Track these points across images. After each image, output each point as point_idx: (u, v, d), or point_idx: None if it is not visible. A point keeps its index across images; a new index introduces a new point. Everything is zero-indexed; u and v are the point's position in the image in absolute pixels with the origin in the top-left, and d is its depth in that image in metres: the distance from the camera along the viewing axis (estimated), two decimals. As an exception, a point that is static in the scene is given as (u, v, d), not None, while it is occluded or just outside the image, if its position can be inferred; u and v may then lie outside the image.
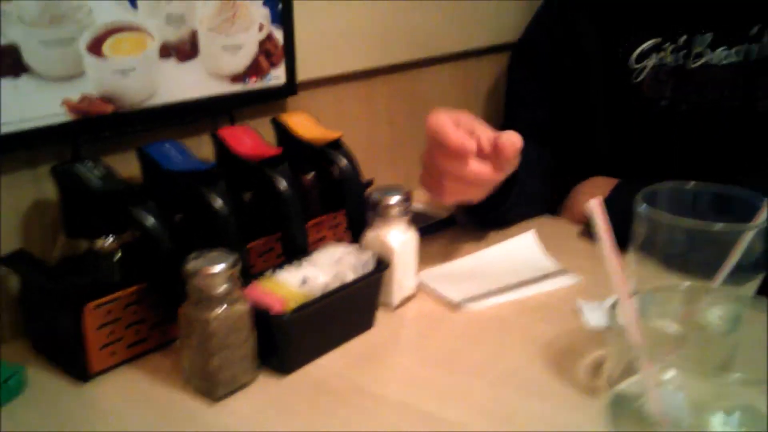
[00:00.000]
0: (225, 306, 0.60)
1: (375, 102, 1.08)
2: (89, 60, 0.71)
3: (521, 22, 1.14)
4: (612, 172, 0.99)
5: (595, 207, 0.50)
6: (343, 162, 0.81)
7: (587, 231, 0.94)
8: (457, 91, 1.21)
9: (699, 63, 0.91)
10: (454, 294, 0.79)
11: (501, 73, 1.26)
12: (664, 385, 0.46)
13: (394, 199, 0.76)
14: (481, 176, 0.77)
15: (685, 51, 0.92)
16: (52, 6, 0.68)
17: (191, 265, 0.59)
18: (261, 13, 0.85)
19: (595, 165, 1.02)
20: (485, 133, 0.76)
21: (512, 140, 0.76)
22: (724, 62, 0.90)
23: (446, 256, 0.89)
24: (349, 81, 1.02)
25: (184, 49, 0.79)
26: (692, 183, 0.69)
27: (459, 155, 0.75)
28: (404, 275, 0.78)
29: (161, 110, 0.78)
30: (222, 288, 0.59)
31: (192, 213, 0.70)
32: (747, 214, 0.63)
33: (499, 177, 0.79)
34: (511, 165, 0.81)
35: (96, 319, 0.64)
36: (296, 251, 0.75)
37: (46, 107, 0.69)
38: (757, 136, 0.89)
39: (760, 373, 0.45)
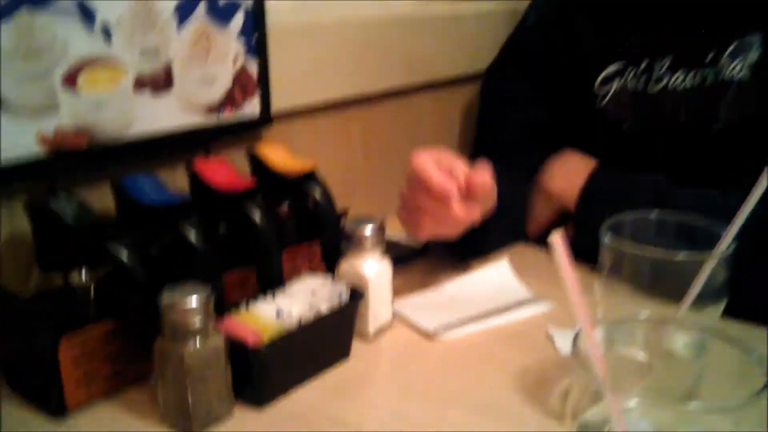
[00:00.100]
0: (199, 340, 0.60)
1: (350, 132, 1.09)
2: (64, 93, 0.72)
3: (494, 52, 1.15)
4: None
5: (556, 241, 0.51)
6: (318, 193, 0.82)
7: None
8: (432, 119, 1.22)
9: (659, 87, 0.94)
10: (429, 323, 0.80)
11: (475, 100, 1.28)
12: (628, 413, 0.47)
13: (369, 230, 0.76)
14: (462, 218, 0.78)
15: (645, 76, 0.95)
16: (26, 39, 0.68)
17: (165, 299, 0.59)
18: (236, 45, 0.86)
19: None
20: (464, 172, 0.78)
21: (483, 179, 0.78)
22: (681, 87, 0.92)
23: (421, 285, 0.90)
24: (324, 111, 1.03)
25: (159, 81, 0.79)
26: (656, 212, 0.70)
27: (441, 197, 0.76)
28: (379, 305, 0.78)
29: (136, 143, 0.78)
30: (196, 322, 0.59)
31: (166, 246, 0.70)
32: (710, 242, 0.65)
33: (477, 216, 0.81)
34: (489, 202, 0.83)
35: (71, 353, 0.63)
36: (272, 282, 0.75)
37: (20, 141, 0.69)
38: (714, 157, 0.92)
39: (724, 400, 0.46)
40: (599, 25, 0.99)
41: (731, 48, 0.90)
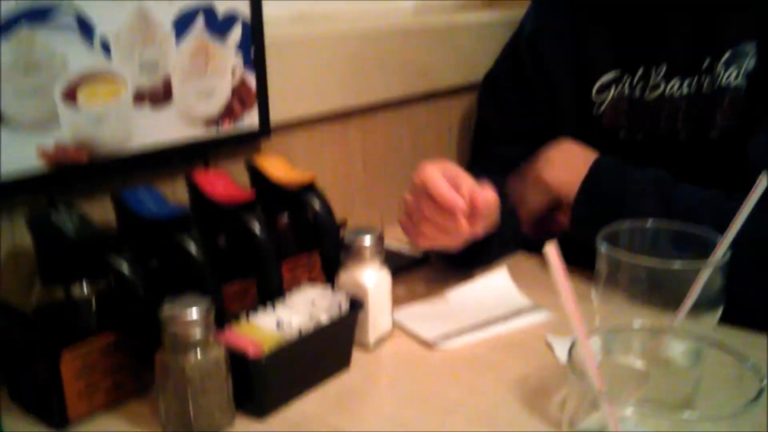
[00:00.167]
0: (200, 352, 0.60)
1: (349, 142, 1.10)
2: (64, 108, 0.72)
3: (492, 62, 1.16)
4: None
5: (550, 252, 0.52)
6: (317, 204, 0.82)
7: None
8: (430, 129, 1.23)
9: (655, 95, 0.95)
10: (429, 332, 0.80)
11: (473, 110, 1.29)
12: (625, 422, 0.48)
13: (368, 240, 0.77)
14: (465, 231, 0.80)
15: (642, 83, 0.96)
16: (27, 55, 0.69)
17: (166, 311, 0.60)
18: (234, 59, 0.87)
19: None
20: (467, 188, 0.79)
21: (486, 197, 0.79)
22: (677, 94, 0.93)
23: (421, 294, 0.91)
24: (322, 122, 1.04)
25: (158, 95, 0.80)
26: (651, 221, 0.71)
27: (448, 210, 0.77)
28: (379, 315, 0.79)
29: (136, 156, 0.79)
30: (197, 334, 0.60)
31: (167, 258, 0.71)
32: (705, 250, 0.65)
33: (480, 232, 0.82)
34: (492, 219, 0.84)
35: (73, 366, 0.64)
36: (271, 294, 0.76)
37: (21, 156, 0.70)
38: (711, 164, 0.92)
39: (720, 410, 0.46)
40: (594, 34, 1.00)
41: (726, 56, 0.91)
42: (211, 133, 0.86)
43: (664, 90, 0.94)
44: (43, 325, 0.66)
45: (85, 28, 0.73)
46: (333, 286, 0.78)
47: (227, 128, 0.88)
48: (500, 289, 0.91)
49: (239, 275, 0.78)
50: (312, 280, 0.86)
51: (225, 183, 0.79)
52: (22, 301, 0.70)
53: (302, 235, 0.86)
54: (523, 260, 1.01)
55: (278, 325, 0.69)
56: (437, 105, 1.23)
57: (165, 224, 0.69)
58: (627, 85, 0.97)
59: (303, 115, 1.00)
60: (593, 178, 0.91)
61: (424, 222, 0.80)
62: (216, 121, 0.86)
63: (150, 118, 0.80)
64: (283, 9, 1.05)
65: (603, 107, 0.99)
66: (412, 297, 0.89)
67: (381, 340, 0.80)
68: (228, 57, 0.86)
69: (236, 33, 0.86)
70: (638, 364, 0.58)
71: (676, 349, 0.58)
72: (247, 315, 0.71)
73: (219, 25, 0.84)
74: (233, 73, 0.87)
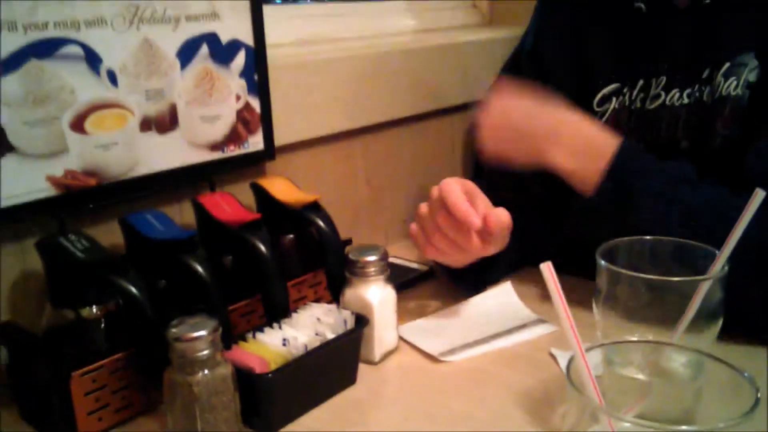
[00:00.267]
0: (207, 370, 0.62)
1: (352, 162, 1.11)
2: (72, 137, 0.74)
3: (494, 79, 1.18)
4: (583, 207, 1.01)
5: (546, 269, 0.53)
6: (321, 223, 0.84)
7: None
8: (433, 147, 1.25)
9: (656, 104, 0.96)
10: (434, 347, 0.81)
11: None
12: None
13: (372, 258, 0.78)
14: (476, 249, 0.81)
15: (642, 94, 0.97)
16: (35, 86, 0.71)
17: (173, 331, 0.61)
18: (238, 84, 0.89)
19: (567, 205, 1.05)
20: (483, 206, 0.81)
21: (500, 218, 0.80)
22: (677, 103, 0.94)
23: (425, 309, 0.92)
24: (326, 143, 1.06)
25: (164, 122, 0.82)
26: (649, 237, 0.72)
27: (463, 225, 0.79)
28: (384, 330, 0.80)
29: (143, 180, 0.81)
30: (204, 352, 0.61)
31: (174, 279, 0.72)
32: (704, 263, 0.66)
33: (490, 252, 0.83)
34: (504, 242, 0.85)
35: (83, 386, 0.65)
36: (278, 312, 0.77)
37: (30, 183, 0.72)
38: (713, 174, 0.92)
39: (717, 421, 0.47)
40: (592, 48, 1.01)
41: (725, 67, 0.92)
42: (216, 156, 0.88)
43: (665, 100, 0.95)
44: (54, 346, 0.68)
45: (92, 59, 0.75)
46: (338, 304, 0.79)
47: (232, 152, 0.89)
48: (505, 302, 0.92)
49: (246, 294, 0.80)
50: (318, 298, 0.88)
51: (230, 204, 0.81)
52: (33, 323, 0.72)
53: (307, 254, 0.87)
54: (527, 274, 1.01)
55: (284, 342, 0.70)
56: (440, 123, 1.24)
57: (172, 245, 0.71)
58: (627, 96, 0.98)
59: (307, 137, 1.02)
60: (615, 174, 0.83)
61: (436, 234, 0.81)
62: (221, 145, 0.88)
63: (156, 144, 0.82)
64: (285, 34, 1.07)
65: (605, 118, 1.00)
66: (417, 312, 0.91)
67: (387, 355, 0.81)
68: (232, 83, 0.88)
69: (240, 59, 0.89)
70: (639, 376, 0.59)
71: (677, 362, 0.59)
72: (254, 333, 0.72)
73: (223, 52, 0.87)
74: (237, 98, 0.89)
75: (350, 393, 0.74)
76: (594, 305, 0.69)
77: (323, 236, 0.84)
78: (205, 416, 0.62)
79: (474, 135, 0.94)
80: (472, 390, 0.74)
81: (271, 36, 0.92)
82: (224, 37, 0.87)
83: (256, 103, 0.91)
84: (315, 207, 0.86)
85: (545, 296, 0.91)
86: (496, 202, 0.84)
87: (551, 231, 1.05)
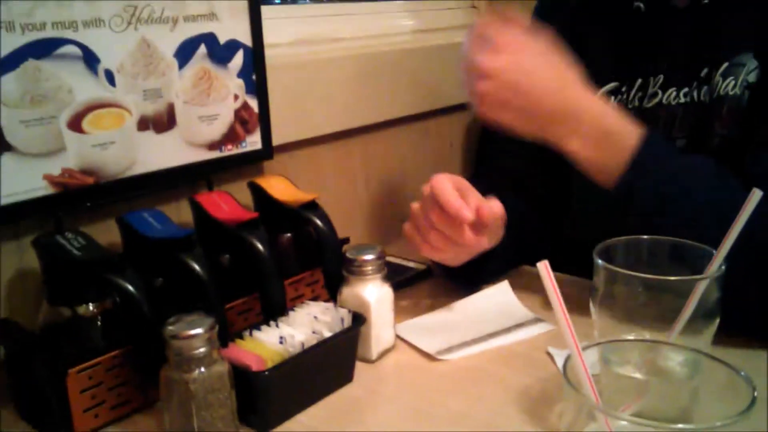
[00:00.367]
0: (204, 367, 0.62)
1: (350, 162, 1.12)
2: (69, 136, 0.74)
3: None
4: (583, 207, 1.02)
5: (543, 268, 0.53)
6: (319, 222, 0.84)
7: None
8: (431, 146, 1.25)
9: (653, 103, 0.96)
10: (431, 346, 0.81)
11: (474, 125, 1.30)
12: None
13: (369, 257, 0.78)
14: (470, 243, 0.81)
15: (640, 93, 0.97)
16: (33, 86, 0.71)
17: (170, 328, 0.61)
18: (235, 84, 0.89)
19: (567, 204, 1.05)
20: (474, 199, 0.81)
21: (492, 209, 0.81)
22: (674, 102, 0.94)
23: (423, 307, 0.92)
24: (324, 143, 1.06)
25: (162, 121, 0.82)
26: (646, 236, 0.72)
27: (456, 220, 0.79)
28: (381, 329, 0.80)
29: (140, 179, 0.81)
30: (200, 350, 0.61)
31: (171, 278, 0.73)
32: (701, 263, 0.66)
33: (485, 246, 0.83)
34: (498, 234, 0.85)
35: (79, 383, 0.66)
36: (275, 310, 0.77)
37: (28, 182, 0.72)
38: None
39: (714, 420, 0.47)
40: (593, 46, 1.01)
41: (723, 67, 0.92)
42: (214, 156, 0.88)
43: (661, 98, 0.95)
44: (50, 343, 0.68)
45: (90, 59, 0.75)
46: (335, 302, 0.79)
47: (230, 151, 0.90)
48: (502, 301, 0.92)
49: (243, 292, 0.80)
50: (315, 296, 0.88)
51: (228, 203, 0.81)
52: (30, 321, 0.72)
53: (305, 253, 0.87)
54: (524, 273, 1.02)
55: (281, 340, 0.70)
56: (437, 122, 1.25)
57: (170, 244, 0.71)
58: (626, 95, 0.98)
59: (305, 136, 1.02)
60: (638, 171, 0.79)
61: (430, 231, 0.82)
62: (219, 144, 0.88)
63: (154, 143, 0.82)
64: (283, 34, 1.07)
65: None
66: (414, 311, 0.91)
67: (384, 354, 0.81)
68: (230, 82, 0.89)
69: (238, 59, 0.89)
70: (636, 375, 0.59)
71: (674, 361, 0.59)
72: (251, 331, 0.73)
73: (221, 52, 0.87)
74: (235, 98, 0.89)
75: (347, 391, 0.75)
76: (591, 304, 0.69)
77: (321, 235, 0.84)
78: (202, 414, 0.62)
79: (469, 95, 0.84)
80: (469, 389, 0.74)
81: (269, 36, 0.92)
82: (222, 38, 0.87)
83: (254, 103, 0.91)
84: (312, 206, 0.86)
85: (542, 295, 0.92)
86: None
87: (549, 229, 1.06)
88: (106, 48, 0.76)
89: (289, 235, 0.88)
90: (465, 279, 0.95)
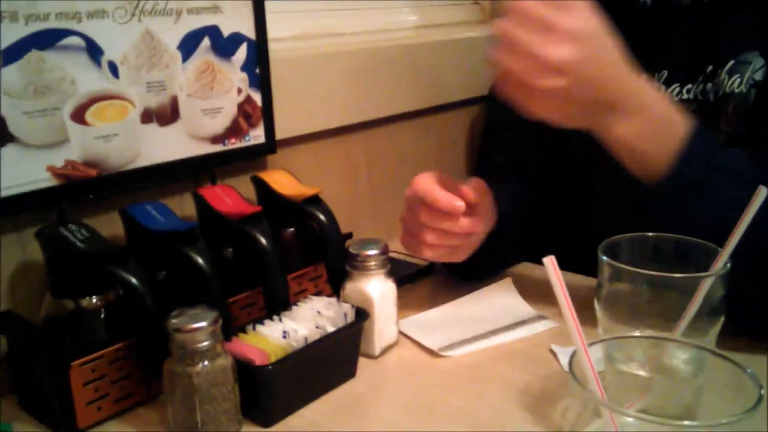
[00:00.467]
0: (207, 361, 0.62)
1: (353, 156, 1.11)
2: (73, 128, 0.74)
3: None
4: (588, 204, 1.01)
5: (549, 263, 0.53)
6: (322, 217, 0.84)
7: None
8: (434, 142, 1.25)
9: None
10: (434, 342, 0.81)
11: (476, 121, 1.30)
12: (626, 429, 0.48)
13: (372, 252, 0.78)
14: (466, 229, 0.81)
15: None
16: (36, 77, 0.71)
17: (173, 322, 0.61)
18: (239, 78, 0.88)
19: (572, 200, 1.05)
20: (456, 187, 0.81)
21: (476, 186, 0.81)
22: (677, 99, 0.94)
23: (426, 303, 0.92)
24: (327, 137, 1.05)
25: (165, 114, 0.82)
26: (652, 233, 0.71)
27: (448, 213, 0.79)
28: (384, 324, 0.80)
29: (144, 172, 0.81)
30: (204, 344, 0.61)
31: (174, 271, 0.72)
32: (707, 260, 0.66)
33: (480, 229, 0.83)
34: (490, 212, 0.85)
35: (82, 376, 0.65)
36: (278, 304, 0.77)
37: (30, 174, 0.72)
38: None
39: (720, 418, 0.47)
40: None
41: (729, 65, 0.91)
42: (217, 149, 0.88)
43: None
44: (53, 336, 0.68)
45: (94, 51, 0.75)
46: (339, 297, 0.79)
47: (233, 145, 0.89)
48: (505, 298, 0.92)
49: (246, 287, 0.80)
50: (318, 291, 0.88)
51: (231, 197, 0.81)
52: (32, 313, 0.72)
53: (308, 248, 0.87)
54: (527, 270, 1.02)
55: (285, 335, 0.70)
56: (441, 118, 1.24)
57: (173, 237, 0.71)
58: None
59: (308, 131, 1.01)
60: (687, 165, 0.74)
61: (425, 231, 0.81)
62: (222, 138, 0.88)
63: (158, 136, 0.82)
64: (287, 27, 1.07)
65: None
66: (417, 307, 0.90)
67: (387, 350, 0.81)
68: (234, 76, 0.88)
69: (242, 52, 0.88)
70: (641, 372, 0.59)
71: (679, 358, 0.59)
72: (254, 325, 0.72)
73: (225, 45, 0.86)
74: (239, 92, 0.89)
75: (350, 386, 0.74)
76: (595, 301, 0.69)
77: (324, 230, 0.84)
78: (205, 407, 0.62)
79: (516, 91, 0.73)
80: (472, 385, 0.74)
81: (272, 30, 0.92)
82: (226, 31, 0.86)
83: (257, 97, 0.91)
84: (316, 200, 0.86)
85: (546, 293, 0.91)
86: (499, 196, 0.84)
87: (552, 219, 1.05)
88: (110, 39, 0.76)
89: (292, 229, 0.87)
90: (469, 272, 0.94)
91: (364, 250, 0.78)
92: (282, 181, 0.87)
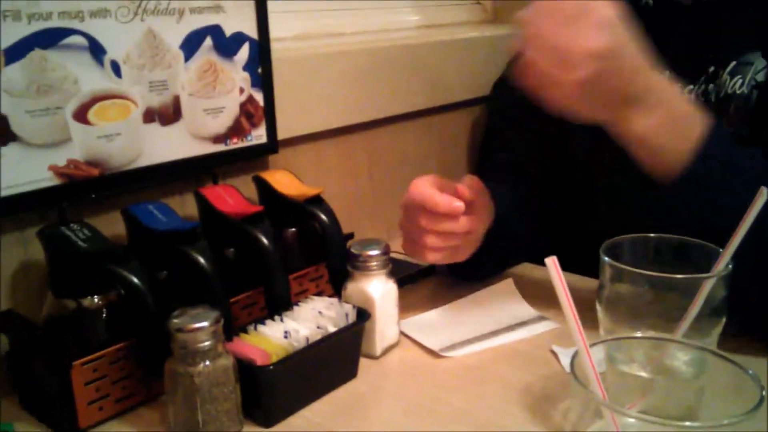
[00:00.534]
0: (209, 361, 0.62)
1: (355, 156, 1.11)
2: (75, 127, 0.74)
3: (496, 76, 1.18)
4: (589, 204, 1.01)
5: (551, 264, 0.53)
6: (324, 217, 0.84)
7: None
8: (435, 142, 1.25)
9: None
10: (435, 343, 0.81)
11: (478, 121, 1.30)
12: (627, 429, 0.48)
13: (374, 252, 0.78)
14: (468, 227, 0.81)
15: None
16: (39, 76, 0.71)
17: (175, 321, 0.61)
18: (241, 77, 0.88)
19: (572, 200, 1.05)
20: (451, 189, 0.81)
21: (471, 184, 0.81)
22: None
23: (427, 304, 0.91)
24: (329, 137, 1.05)
25: (167, 114, 0.82)
26: (652, 234, 0.71)
27: (449, 215, 0.79)
28: (386, 325, 0.80)
29: (146, 171, 0.81)
30: (205, 343, 0.61)
31: (176, 270, 0.72)
32: (708, 261, 0.66)
33: (479, 225, 0.83)
34: (487, 208, 0.85)
35: (83, 376, 0.65)
36: (279, 304, 0.77)
37: (32, 173, 0.72)
38: None
39: (721, 418, 0.47)
40: None
41: (731, 66, 0.91)
42: (219, 149, 0.88)
43: None
44: (54, 335, 0.68)
45: (96, 50, 0.75)
46: (340, 297, 0.79)
47: (235, 144, 0.89)
48: (506, 299, 0.92)
49: (247, 286, 0.80)
50: (319, 291, 0.88)
51: (233, 197, 0.81)
52: (34, 313, 0.72)
53: (309, 248, 0.87)
54: (528, 271, 1.01)
55: (286, 335, 0.70)
56: (443, 119, 1.24)
57: (174, 236, 0.71)
58: None
59: (310, 131, 1.01)
60: (706, 162, 0.73)
61: (426, 235, 0.81)
62: (224, 137, 0.88)
63: (160, 135, 0.82)
64: (289, 27, 1.07)
65: None
66: (418, 307, 0.90)
67: (388, 350, 0.81)
68: (236, 75, 0.88)
69: (244, 52, 0.88)
70: (642, 373, 0.59)
71: (680, 359, 0.59)
72: (255, 325, 0.72)
73: (227, 45, 0.86)
74: (241, 91, 0.89)
75: (351, 387, 0.74)
76: (597, 302, 0.69)
77: (325, 230, 0.84)
78: (206, 407, 0.62)
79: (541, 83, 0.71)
80: (473, 386, 0.74)
81: (274, 30, 0.92)
82: (228, 30, 0.86)
83: (259, 97, 0.91)
84: (317, 200, 0.86)
85: (546, 293, 0.91)
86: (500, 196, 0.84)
87: (553, 219, 1.05)
88: (113, 39, 0.76)
89: (293, 229, 0.87)
90: (471, 273, 0.94)
91: (366, 250, 0.78)
92: (284, 181, 0.87)
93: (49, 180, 0.73)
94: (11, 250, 0.74)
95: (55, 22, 0.71)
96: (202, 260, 0.70)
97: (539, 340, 0.83)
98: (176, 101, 0.83)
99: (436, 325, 0.86)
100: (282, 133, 0.95)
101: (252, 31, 0.89)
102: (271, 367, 0.66)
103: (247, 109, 0.90)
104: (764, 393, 0.47)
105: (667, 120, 0.73)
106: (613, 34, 0.68)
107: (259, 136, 0.92)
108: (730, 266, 0.64)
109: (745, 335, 0.75)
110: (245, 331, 0.71)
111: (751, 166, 0.76)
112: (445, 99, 1.22)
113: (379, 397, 0.74)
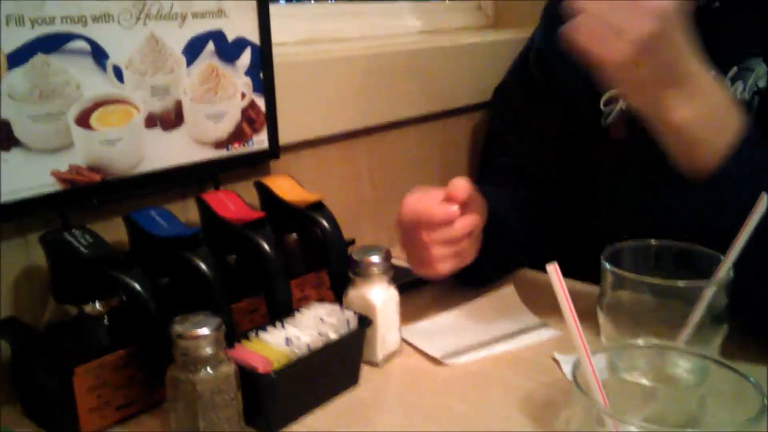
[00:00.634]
0: (210, 368, 0.61)
1: (356, 162, 1.11)
2: (77, 132, 0.74)
3: (498, 82, 1.17)
4: (589, 204, 1.01)
5: (552, 270, 0.53)
6: (325, 223, 0.84)
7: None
8: (437, 148, 1.25)
9: None
10: (436, 349, 0.81)
11: (480, 127, 1.30)
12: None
13: (375, 258, 0.78)
14: (468, 226, 0.81)
15: None
16: (41, 81, 0.71)
17: (176, 328, 0.61)
18: (243, 83, 0.88)
19: (573, 200, 1.05)
20: (440, 196, 0.81)
21: (460, 185, 0.81)
22: None
23: (428, 311, 0.91)
24: (330, 143, 1.05)
25: (169, 119, 0.82)
26: (654, 241, 0.71)
27: (447, 222, 0.79)
28: (387, 332, 0.80)
29: (148, 177, 0.81)
30: (207, 350, 0.61)
31: (178, 277, 0.72)
32: (709, 268, 0.66)
33: (476, 222, 0.83)
34: (479, 206, 0.85)
35: (85, 382, 0.65)
36: (281, 311, 0.77)
37: (35, 178, 0.72)
38: None
39: (723, 426, 0.47)
40: None
41: (732, 72, 0.91)
42: (221, 154, 0.88)
43: None
44: (56, 341, 0.68)
45: (99, 55, 0.75)
46: (341, 304, 0.79)
47: (237, 149, 0.89)
48: (508, 306, 0.92)
49: (249, 293, 0.80)
50: (321, 298, 0.87)
51: (235, 203, 0.81)
52: (35, 319, 0.72)
53: (311, 254, 0.87)
54: (530, 278, 1.01)
55: (287, 341, 0.70)
56: (445, 124, 1.24)
57: (176, 243, 0.71)
58: None
59: (311, 136, 1.01)
60: (741, 154, 0.72)
61: (431, 249, 0.81)
62: (226, 143, 0.88)
63: (162, 140, 0.82)
64: (291, 32, 1.07)
65: (611, 117, 0.99)
66: (420, 314, 0.90)
67: (389, 357, 0.80)
68: (238, 80, 0.88)
69: (246, 57, 0.88)
70: (644, 381, 0.59)
71: (682, 367, 0.59)
72: (257, 332, 0.72)
73: (229, 50, 0.86)
74: (243, 96, 0.89)
75: (353, 394, 0.74)
76: (598, 309, 0.69)
77: (327, 236, 0.84)
78: (208, 414, 0.62)
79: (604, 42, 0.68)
80: (475, 393, 0.74)
81: (276, 35, 0.92)
82: (230, 35, 0.86)
83: (261, 102, 0.91)
84: (319, 206, 0.86)
85: (548, 301, 0.91)
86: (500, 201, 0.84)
87: (553, 227, 1.05)
88: (115, 44, 0.76)
89: (295, 235, 0.87)
90: (472, 277, 0.94)
91: (367, 256, 0.78)
92: (285, 187, 0.87)
93: (51, 185, 0.73)
94: (13, 256, 0.74)
95: (58, 27, 0.71)
96: (203, 266, 0.70)
97: (541, 347, 0.83)
98: (178, 106, 0.83)
99: (437, 332, 0.86)
100: (283, 139, 0.95)
101: (254, 36, 0.89)
102: (273, 374, 0.66)
103: (248, 115, 0.90)
104: (766, 401, 0.47)
105: (707, 111, 0.71)
106: (675, 6, 0.67)
107: (260, 141, 0.92)
108: (732, 273, 0.64)
109: (748, 342, 0.75)
110: (247, 338, 0.71)
111: None
112: (447, 104, 1.22)
113: (380, 404, 0.74)
